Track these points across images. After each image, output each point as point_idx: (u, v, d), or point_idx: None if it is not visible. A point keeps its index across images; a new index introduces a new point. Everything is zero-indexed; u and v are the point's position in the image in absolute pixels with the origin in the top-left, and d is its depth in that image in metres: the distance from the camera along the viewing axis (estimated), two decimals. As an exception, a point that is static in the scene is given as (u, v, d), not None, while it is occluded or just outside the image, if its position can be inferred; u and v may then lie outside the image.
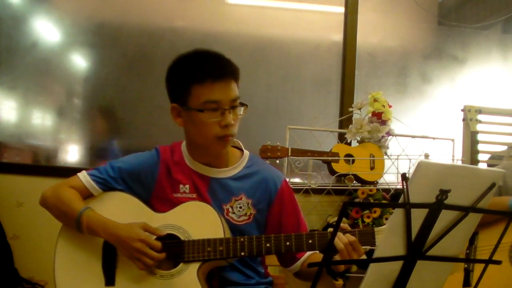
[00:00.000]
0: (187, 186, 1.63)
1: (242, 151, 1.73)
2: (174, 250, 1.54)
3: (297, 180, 2.72)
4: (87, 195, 1.62)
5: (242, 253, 1.52)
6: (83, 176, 1.62)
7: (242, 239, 1.53)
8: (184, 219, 1.57)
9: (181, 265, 1.53)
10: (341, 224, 1.49)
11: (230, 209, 1.63)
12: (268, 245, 1.52)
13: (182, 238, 1.55)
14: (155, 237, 1.52)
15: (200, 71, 1.53)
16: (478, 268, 1.20)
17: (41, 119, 2.98)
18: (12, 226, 2.62)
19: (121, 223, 1.53)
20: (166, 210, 1.60)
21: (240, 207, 1.64)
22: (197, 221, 1.56)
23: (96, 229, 1.53)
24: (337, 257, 1.45)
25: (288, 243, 1.52)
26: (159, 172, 1.64)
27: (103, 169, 1.64)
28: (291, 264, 1.68)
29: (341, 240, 1.43)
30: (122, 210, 1.59)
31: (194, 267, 1.52)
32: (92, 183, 1.61)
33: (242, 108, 1.59)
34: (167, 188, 1.63)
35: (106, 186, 1.63)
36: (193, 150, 1.66)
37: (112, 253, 1.57)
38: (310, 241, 1.52)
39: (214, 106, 1.53)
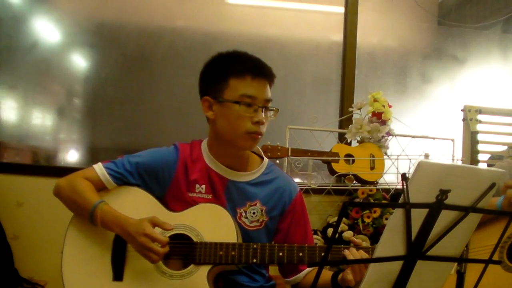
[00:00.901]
0: (204, 186, 1.63)
1: (262, 158, 1.74)
2: (186, 250, 1.53)
3: (297, 180, 2.72)
4: (101, 188, 1.61)
5: (254, 260, 1.52)
6: (99, 168, 1.62)
7: (255, 246, 1.52)
8: (198, 221, 1.57)
9: (191, 266, 1.53)
10: (356, 240, 1.51)
11: (243, 214, 1.63)
12: (280, 254, 1.52)
13: (195, 239, 1.54)
14: (160, 230, 1.51)
15: (242, 66, 1.57)
16: (470, 269, 1.20)
17: (41, 119, 2.97)
18: (12, 226, 2.62)
19: (133, 218, 1.52)
20: (180, 209, 1.59)
21: (254, 213, 1.64)
22: (211, 223, 1.56)
23: (109, 223, 1.52)
24: (348, 271, 1.45)
25: (301, 254, 1.52)
26: (176, 170, 1.63)
27: (120, 162, 1.63)
28: (292, 275, 1.69)
29: (354, 255, 1.43)
30: (136, 206, 1.58)
31: (204, 270, 1.52)
32: (107, 176, 1.61)
33: (272, 112, 1.62)
34: (183, 187, 1.63)
35: (122, 180, 1.62)
36: (215, 149, 1.66)
37: (122, 248, 1.57)
38: (323, 254, 1.51)
39: (249, 101, 1.55)
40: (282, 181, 1.71)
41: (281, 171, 1.77)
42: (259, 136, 1.59)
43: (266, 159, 1.74)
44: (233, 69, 1.57)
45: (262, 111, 1.57)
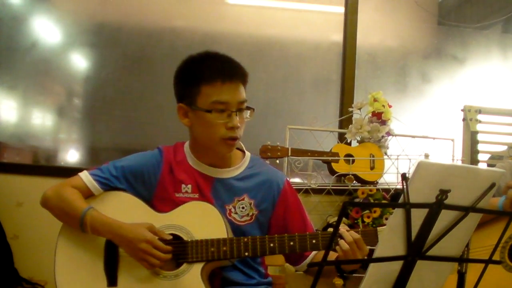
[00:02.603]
0: (189, 186, 1.63)
1: (244, 152, 1.74)
2: (178, 250, 1.53)
3: (297, 180, 2.72)
4: (88, 195, 1.62)
5: (246, 253, 1.52)
6: (85, 176, 1.62)
7: (245, 240, 1.53)
8: (187, 219, 1.57)
9: (184, 265, 1.53)
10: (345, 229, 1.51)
11: (233, 209, 1.64)
12: (272, 245, 1.52)
13: (185, 238, 1.55)
14: (157, 238, 1.52)
15: (211, 72, 1.55)
16: (471, 269, 1.21)
17: (41, 119, 2.98)
18: (12, 226, 2.62)
19: (125, 223, 1.53)
20: (168, 210, 1.60)
21: (243, 207, 1.64)
22: (200, 221, 1.56)
23: (100, 229, 1.53)
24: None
25: (292, 243, 1.52)
26: (161, 172, 1.64)
27: (105, 168, 1.64)
28: (299, 262, 1.69)
29: (346, 238, 1.43)
30: (124, 210, 1.59)
31: (197, 267, 1.52)
32: (94, 183, 1.61)
33: (249, 112, 1.61)
34: (169, 188, 1.63)
35: (108, 185, 1.63)
36: (197, 151, 1.66)
37: (114, 253, 1.57)
38: (314, 241, 1.52)
39: (222, 107, 1.55)
40: (268, 172, 1.71)
41: (266, 163, 1.78)
42: (236, 141, 1.59)
43: (248, 153, 1.74)
44: (203, 75, 1.55)
45: (236, 115, 1.56)
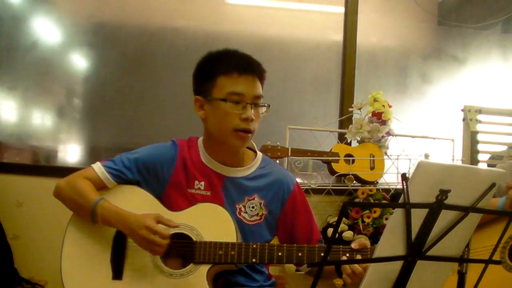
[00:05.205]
0: (202, 183, 1.63)
1: (256, 152, 1.74)
2: (185, 250, 1.53)
3: (297, 180, 2.72)
4: (101, 187, 1.62)
5: (254, 260, 1.52)
6: (97, 167, 1.62)
7: (254, 246, 1.53)
8: (198, 220, 1.57)
9: (191, 265, 1.53)
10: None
11: (243, 209, 1.64)
12: (280, 254, 1.52)
13: (194, 239, 1.54)
14: (164, 227, 1.50)
15: (228, 64, 1.58)
16: (471, 269, 1.21)
17: (41, 119, 2.98)
18: (12, 226, 2.62)
19: (134, 213, 1.52)
20: (179, 205, 1.60)
21: (253, 207, 1.64)
22: (211, 223, 1.56)
23: (111, 219, 1.53)
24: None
25: (300, 254, 1.52)
26: (176, 165, 1.64)
27: (118, 160, 1.64)
28: (301, 264, 1.69)
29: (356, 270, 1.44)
30: (135, 205, 1.58)
31: (204, 269, 1.52)
32: (107, 175, 1.61)
33: (264, 108, 1.63)
34: (183, 182, 1.63)
35: (121, 178, 1.62)
36: (210, 147, 1.66)
37: (121, 247, 1.57)
38: (322, 254, 1.51)
39: (237, 99, 1.56)
40: (279, 173, 1.72)
41: (277, 164, 1.79)
42: (249, 135, 1.59)
43: (260, 153, 1.75)
44: (221, 68, 1.58)
45: (251, 108, 1.57)
